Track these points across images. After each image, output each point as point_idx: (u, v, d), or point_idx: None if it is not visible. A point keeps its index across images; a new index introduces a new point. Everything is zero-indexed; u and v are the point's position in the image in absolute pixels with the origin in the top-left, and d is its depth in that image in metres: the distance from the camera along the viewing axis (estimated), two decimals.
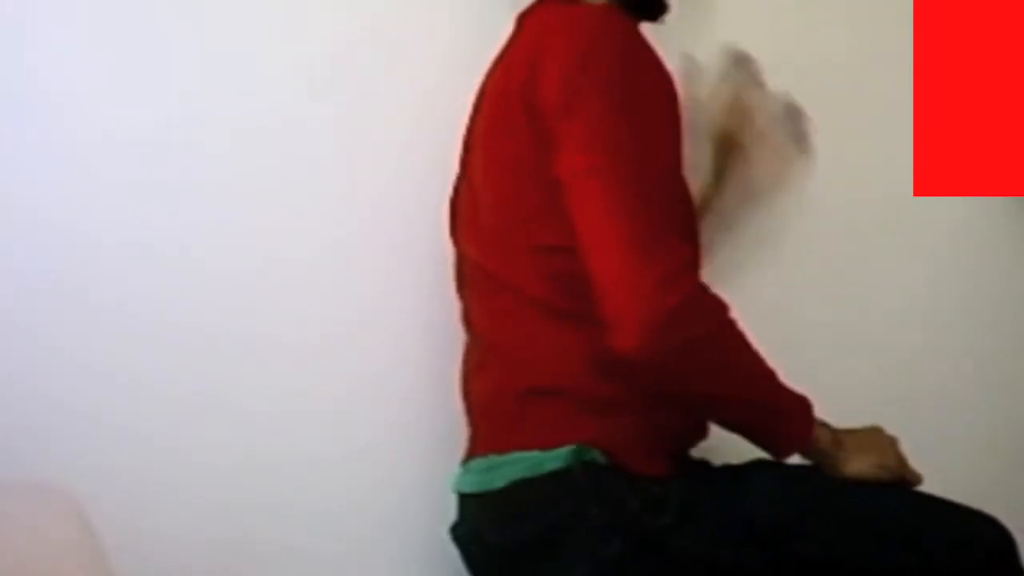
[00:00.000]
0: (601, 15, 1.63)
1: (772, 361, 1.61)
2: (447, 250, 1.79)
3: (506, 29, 1.74)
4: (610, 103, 1.55)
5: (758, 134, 1.88)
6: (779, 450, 1.63)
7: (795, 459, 1.66)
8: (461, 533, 1.69)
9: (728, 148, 1.89)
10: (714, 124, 1.89)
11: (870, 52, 2.12)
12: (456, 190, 1.78)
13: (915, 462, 1.67)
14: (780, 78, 2.08)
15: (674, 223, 1.59)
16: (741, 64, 1.88)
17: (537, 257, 1.61)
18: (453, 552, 1.69)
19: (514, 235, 1.63)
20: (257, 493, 1.82)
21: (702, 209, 1.81)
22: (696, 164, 1.72)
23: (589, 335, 1.53)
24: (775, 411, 1.61)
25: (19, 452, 1.69)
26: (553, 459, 1.58)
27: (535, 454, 1.59)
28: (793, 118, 1.86)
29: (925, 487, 1.67)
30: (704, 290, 1.56)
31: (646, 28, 1.74)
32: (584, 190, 1.54)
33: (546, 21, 1.66)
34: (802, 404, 1.62)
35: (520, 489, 1.59)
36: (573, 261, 1.55)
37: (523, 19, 1.73)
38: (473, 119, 1.75)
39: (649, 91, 1.60)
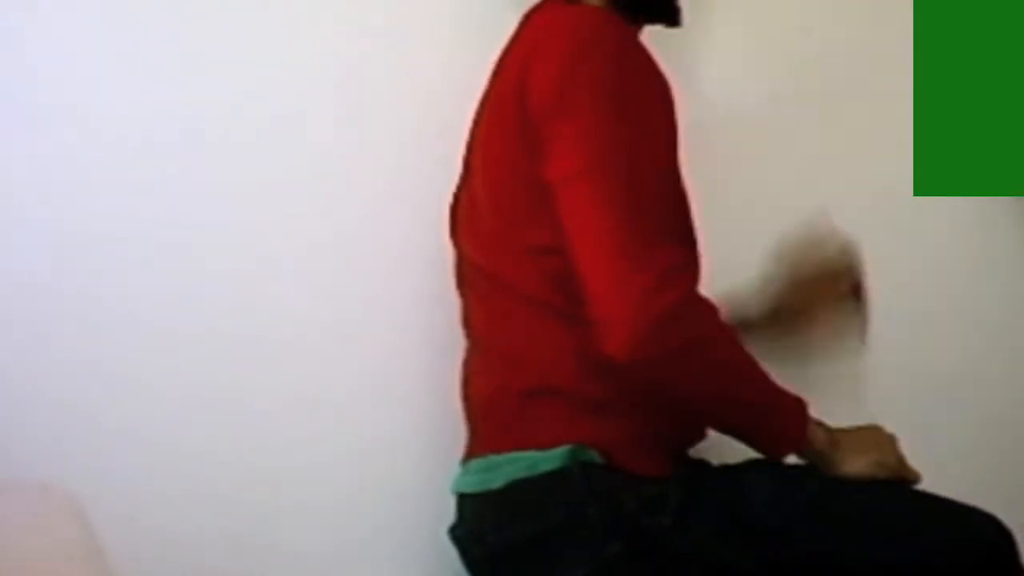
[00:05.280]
0: (595, 16, 1.63)
1: (770, 361, 1.61)
2: (447, 250, 1.79)
3: (510, 27, 1.73)
4: (601, 104, 1.54)
5: (835, 309, 1.86)
6: (775, 451, 1.62)
7: (793, 459, 1.66)
8: (460, 534, 1.68)
9: (800, 300, 1.86)
10: (803, 274, 1.86)
11: (870, 52, 2.12)
12: (458, 191, 1.78)
13: (914, 461, 1.67)
14: (780, 77, 2.09)
15: (667, 226, 1.58)
16: (855, 256, 1.86)
17: (534, 258, 1.61)
18: (453, 553, 1.69)
19: (511, 236, 1.63)
20: (256, 493, 1.82)
21: (742, 322, 1.77)
22: (696, 165, 1.72)
23: (587, 335, 1.52)
24: (769, 413, 1.60)
25: (19, 452, 1.69)
26: (549, 459, 1.58)
27: (532, 454, 1.59)
28: (863, 314, 1.85)
29: (924, 486, 1.67)
30: (694, 294, 1.56)
31: (649, 29, 1.74)
32: (573, 193, 1.53)
33: (544, 22, 1.66)
34: (797, 405, 1.61)
35: (518, 489, 1.59)
36: (569, 261, 1.54)
37: (528, 18, 1.72)
38: (477, 120, 1.75)
39: (642, 93, 1.59)
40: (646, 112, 1.59)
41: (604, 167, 1.53)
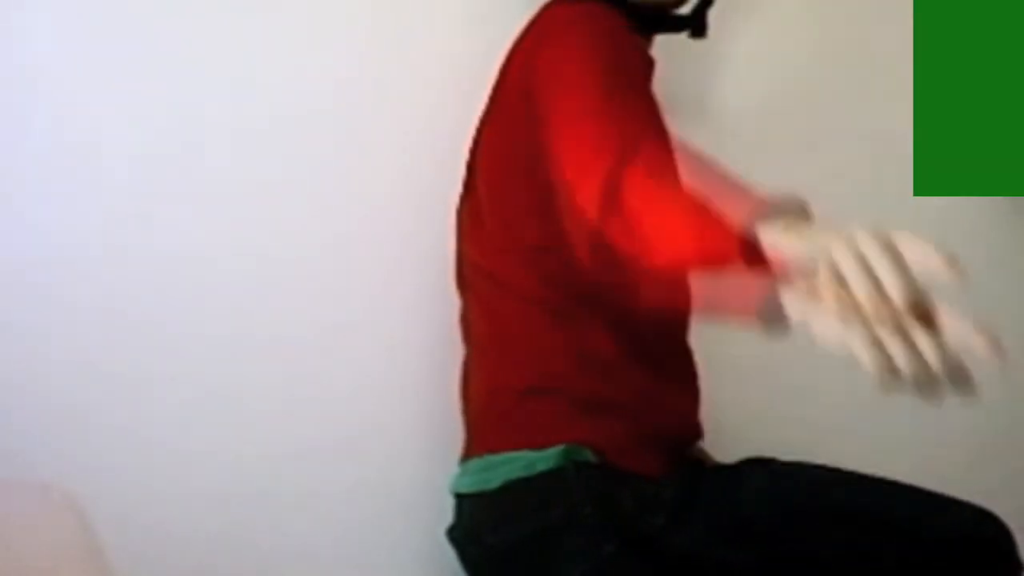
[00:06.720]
0: (592, 8, 1.62)
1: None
2: (448, 250, 1.79)
3: (515, 28, 1.73)
4: (588, 55, 1.51)
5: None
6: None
7: (790, 454, 1.65)
8: (458, 534, 1.69)
9: None
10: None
11: (870, 52, 2.12)
12: (463, 193, 1.78)
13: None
14: (781, 77, 2.09)
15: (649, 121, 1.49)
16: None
17: (531, 257, 1.61)
18: (451, 553, 1.69)
19: (509, 236, 1.63)
20: (256, 493, 1.82)
21: None
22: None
23: (582, 335, 1.52)
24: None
25: (19, 452, 1.69)
26: (545, 459, 1.58)
27: (528, 454, 1.59)
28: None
29: (924, 484, 1.67)
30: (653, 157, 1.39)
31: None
32: (555, 94, 1.50)
33: (545, 22, 1.66)
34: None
35: (515, 489, 1.60)
36: (566, 261, 1.54)
37: (532, 20, 1.72)
38: (481, 121, 1.75)
39: (630, 62, 1.56)
40: (634, 73, 1.56)
41: (586, 74, 1.48)
